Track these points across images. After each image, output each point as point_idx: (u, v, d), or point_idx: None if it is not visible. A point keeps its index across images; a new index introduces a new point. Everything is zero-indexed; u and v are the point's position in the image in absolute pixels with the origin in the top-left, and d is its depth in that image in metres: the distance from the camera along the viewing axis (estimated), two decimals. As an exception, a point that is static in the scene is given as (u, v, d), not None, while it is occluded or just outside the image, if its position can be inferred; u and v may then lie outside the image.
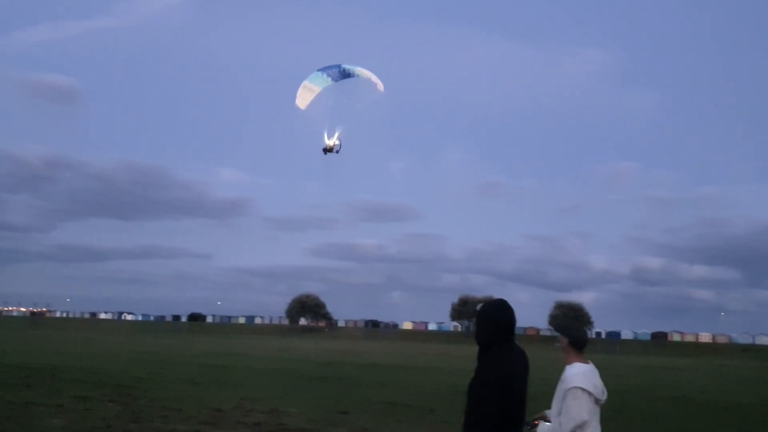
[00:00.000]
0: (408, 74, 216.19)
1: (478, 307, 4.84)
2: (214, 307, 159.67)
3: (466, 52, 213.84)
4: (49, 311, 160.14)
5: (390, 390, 21.46)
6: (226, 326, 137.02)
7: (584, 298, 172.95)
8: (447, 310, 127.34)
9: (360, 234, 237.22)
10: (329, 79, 16.84)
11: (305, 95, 16.89)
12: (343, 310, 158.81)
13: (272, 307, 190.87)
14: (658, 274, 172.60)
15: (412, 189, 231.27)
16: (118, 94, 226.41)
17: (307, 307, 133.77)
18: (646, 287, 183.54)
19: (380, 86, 17.11)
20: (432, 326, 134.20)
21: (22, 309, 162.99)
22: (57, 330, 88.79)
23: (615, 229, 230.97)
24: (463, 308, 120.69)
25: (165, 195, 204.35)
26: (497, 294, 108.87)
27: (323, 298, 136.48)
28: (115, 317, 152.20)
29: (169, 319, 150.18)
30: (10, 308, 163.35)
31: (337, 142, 17.82)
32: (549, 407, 5.49)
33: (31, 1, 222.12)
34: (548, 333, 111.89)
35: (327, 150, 17.85)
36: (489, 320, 4.68)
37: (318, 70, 17.00)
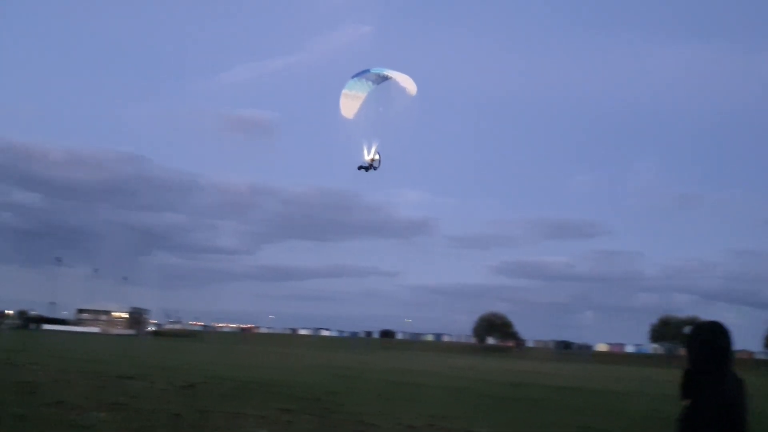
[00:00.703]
0: (593, 83, 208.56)
1: (688, 329, 4.43)
2: (403, 324, 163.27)
3: (655, 57, 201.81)
4: (255, 327, 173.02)
5: (584, 414, 20.49)
6: (415, 343, 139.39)
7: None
8: (645, 331, 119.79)
9: (545, 251, 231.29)
10: (369, 83, 15.71)
11: (350, 104, 15.70)
12: (532, 330, 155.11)
13: (459, 325, 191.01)
14: None
15: (599, 203, 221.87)
16: (311, 125, 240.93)
17: (494, 326, 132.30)
18: None
19: (412, 89, 15.69)
20: (629, 348, 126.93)
21: (232, 325, 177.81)
22: (262, 345, 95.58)
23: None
24: (664, 329, 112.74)
25: (354, 217, 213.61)
26: (702, 314, 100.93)
27: (510, 317, 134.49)
28: (313, 333, 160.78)
29: (361, 335, 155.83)
30: (222, 324, 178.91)
31: (376, 157, 16.27)
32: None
33: (235, 45, 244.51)
34: (763, 356, 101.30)
35: (366, 167, 16.26)
36: (702, 344, 4.26)
37: (353, 77, 15.85)
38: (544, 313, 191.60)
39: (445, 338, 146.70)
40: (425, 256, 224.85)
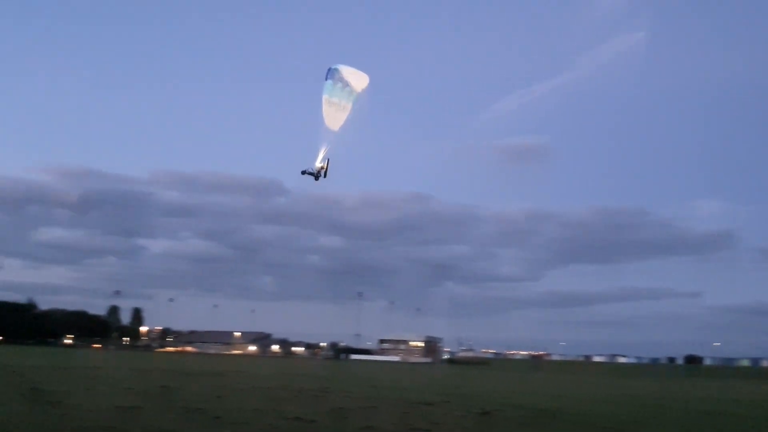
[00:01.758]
0: None
1: None
2: (711, 349, 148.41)
3: None
4: (547, 354, 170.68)
5: None
6: (727, 369, 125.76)
7: None
8: None
9: None
10: (348, 89, 14.38)
11: (336, 114, 14.51)
12: None
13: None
14: None
15: None
16: (584, 143, 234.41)
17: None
18: None
19: (358, 87, 14.23)
20: None
21: (523, 352, 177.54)
22: (555, 372, 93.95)
23: None
24: None
25: (641, 235, 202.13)
26: None
27: None
28: (609, 360, 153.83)
29: (663, 361, 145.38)
30: (513, 352, 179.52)
31: (324, 165, 15.10)
32: None
33: (503, 74, 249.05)
34: None
35: (317, 175, 14.95)
36: None
37: (329, 80, 14.46)
38: None
39: (765, 363, 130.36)
40: (731, 272, 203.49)
